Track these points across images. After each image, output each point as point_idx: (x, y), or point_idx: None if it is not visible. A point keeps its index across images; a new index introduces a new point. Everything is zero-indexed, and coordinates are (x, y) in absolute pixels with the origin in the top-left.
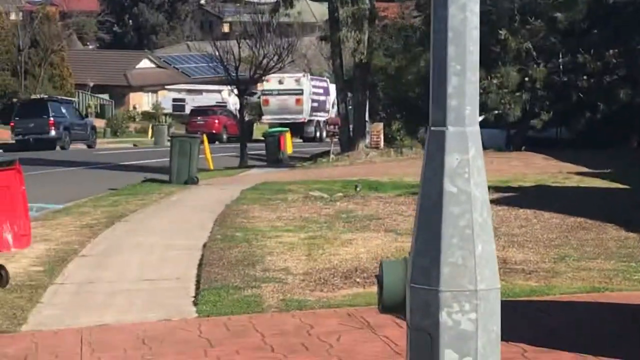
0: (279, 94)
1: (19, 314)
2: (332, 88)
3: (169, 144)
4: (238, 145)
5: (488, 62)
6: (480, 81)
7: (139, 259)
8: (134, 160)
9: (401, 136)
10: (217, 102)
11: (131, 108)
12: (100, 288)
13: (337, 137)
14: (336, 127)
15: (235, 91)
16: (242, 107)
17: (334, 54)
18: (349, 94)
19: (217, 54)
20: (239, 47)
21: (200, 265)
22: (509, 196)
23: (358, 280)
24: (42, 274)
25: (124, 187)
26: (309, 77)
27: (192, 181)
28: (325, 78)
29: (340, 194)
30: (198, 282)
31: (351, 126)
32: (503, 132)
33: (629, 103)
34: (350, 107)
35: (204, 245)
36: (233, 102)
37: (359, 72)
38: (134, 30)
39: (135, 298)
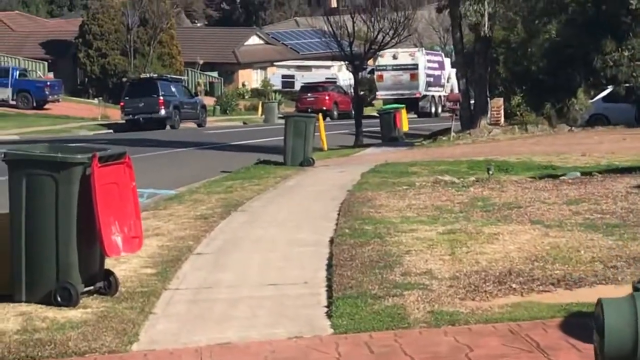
0: (393, 69)
1: (130, 328)
2: (447, 62)
3: (279, 121)
4: (350, 122)
5: (619, 33)
6: (610, 53)
7: (260, 257)
8: (246, 140)
9: (521, 111)
10: (327, 78)
11: (240, 85)
12: (219, 294)
13: (457, 114)
14: (457, 103)
15: (350, 67)
16: (357, 83)
17: (453, 27)
18: (467, 69)
19: (330, 29)
20: (353, 22)
21: (329, 266)
22: None
23: (514, 285)
24: (155, 277)
25: (238, 169)
26: (424, 51)
27: (307, 163)
28: (439, 52)
29: (473, 179)
30: (329, 287)
31: (472, 102)
32: (633, 107)
33: None
34: (469, 81)
35: (331, 241)
36: (343, 77)
37: (480, 46)
38: (242, 7)
39: (260, 307)
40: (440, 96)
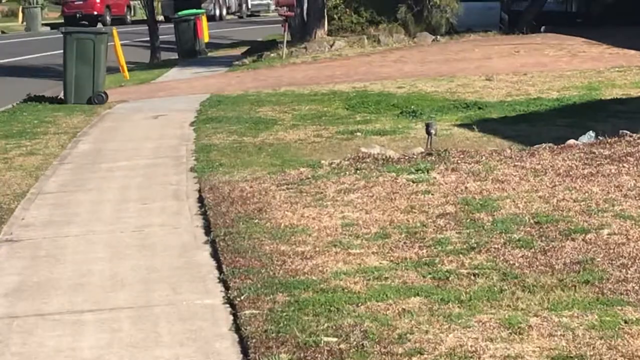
0: None
1: None
2: None
3: (44, 29)
4: (127, 28)
5: None
6: None
7: None
8: (6, 57)
9: (339, 14)
10: None
11: None
12: None
13: (290, 23)
14: (290, 8)
15: None
16: None
17: None
18: None
19: None
20: None
21: None
22: None
23: None
24: None
25: None
26: None
27: (99, 99)
28: None
29: (420, 150)
30: None
31: (305, 6)
32: (496, 6)
33: None
34: None
35: None
36: None
37: None
38: None
39: None
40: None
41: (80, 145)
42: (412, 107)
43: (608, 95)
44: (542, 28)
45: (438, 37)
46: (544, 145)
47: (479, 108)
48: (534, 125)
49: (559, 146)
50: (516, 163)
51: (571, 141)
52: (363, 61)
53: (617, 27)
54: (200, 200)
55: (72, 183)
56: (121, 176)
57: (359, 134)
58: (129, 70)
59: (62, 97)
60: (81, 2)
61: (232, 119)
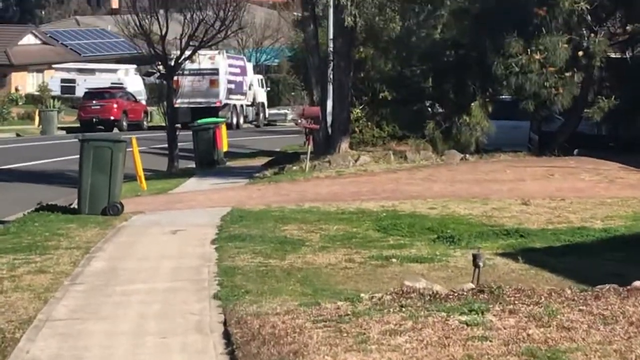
0: (190, 74)
1: None
2: (249, 67)
3: (59, 133)
4: (144, 134)
5: (528, 29)
6: (515, 56)
7: None
8: (20, 162)
9: (360, 127)
10: (112, 83)
11: (13, 90)
12: None
13: (315, 136)
14: (315, 120)
15: (158, 69)
16: (171, 90)
17: (305, 18)
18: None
19: (137, 24)
20: (167, 13)
21: None
22: None
23: None
24: None
25: (7, 226)
26: (225, 54)
27: (114, 210)
28: (241, 56)
29: (470, 286)
30: None
31: (329, 119)
32: (526, 125)
33: None
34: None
35: None
36: (131, 83)
37: (342, 42)
38: (17, 4)
39: None
40: (242, 105)
41: (94, 263)
42: (449, 231)
43: None
44: (576, 151)
45: (467, 155)
46: (607, 286)
47: (521, 236)
48: (582, 258)
49: (625, 289)
50: (581, 307)
51: (637, 283)
52: (390, 178)
53: None
54: (227, 335)
55: (83, 308)
56: (137, 302)
57: (394, 260)
58: (146, 179)
59: (76, 207)
60: (98, 107)
61: (256, 237)
